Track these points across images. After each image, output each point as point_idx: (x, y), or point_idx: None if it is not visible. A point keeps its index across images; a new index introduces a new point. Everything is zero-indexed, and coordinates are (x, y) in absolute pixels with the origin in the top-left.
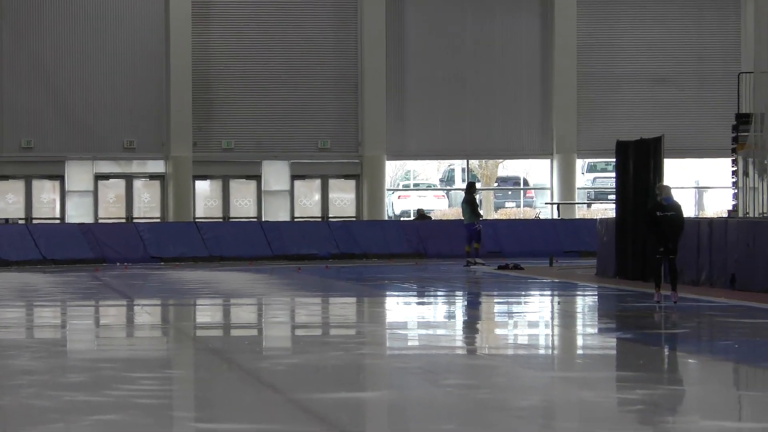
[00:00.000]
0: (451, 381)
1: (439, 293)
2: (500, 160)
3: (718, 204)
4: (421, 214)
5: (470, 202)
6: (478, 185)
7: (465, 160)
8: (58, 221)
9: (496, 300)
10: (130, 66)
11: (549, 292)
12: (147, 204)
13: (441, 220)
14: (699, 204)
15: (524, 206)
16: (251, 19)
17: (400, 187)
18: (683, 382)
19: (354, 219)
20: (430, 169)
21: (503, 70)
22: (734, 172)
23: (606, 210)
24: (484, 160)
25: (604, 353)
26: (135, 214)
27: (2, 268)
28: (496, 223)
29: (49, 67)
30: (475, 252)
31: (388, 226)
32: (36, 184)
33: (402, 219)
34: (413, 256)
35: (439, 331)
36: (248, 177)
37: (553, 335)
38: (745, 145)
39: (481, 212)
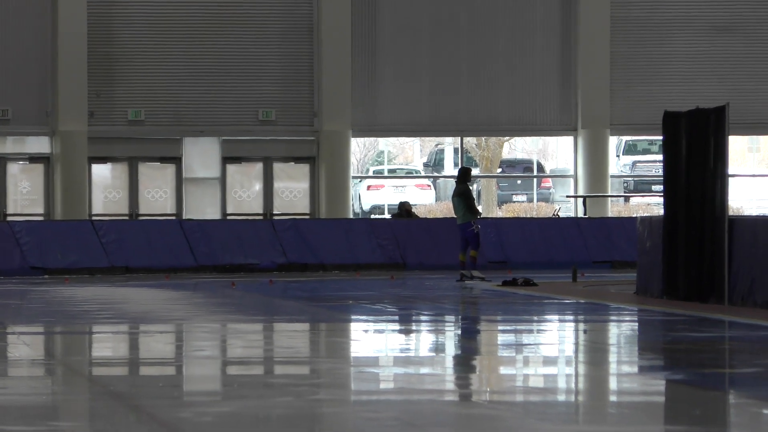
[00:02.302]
0: None
1: (422, 318)
2: (506, 138)
3: None
4: (406, 209)
5: (465, 195)
6: (475, 172)
7: (458, 138)
8: None
9: (499, 327)
10: (2, 7)
11: (572, 317)
12: (25, 196)
13: (426, 219)
14: None
15: (538, 200)
16: None
17: (370, 174)
18: None
19: (308, 217)
20: (410, 150)
21: (511, 13)
22: None
23: (650, 205)
24: (483, 138)
25: (646, 400)
26: (9, 210)
27: None
28: (501, 222)
29: None
30: (472, 262)
31: (354, 227)
32: None
33: (373, 217)
34: (388, 268)
35: (423, 370)
36: (164, 159)
37: (577, 376)
38: None
39: (480, 209)
